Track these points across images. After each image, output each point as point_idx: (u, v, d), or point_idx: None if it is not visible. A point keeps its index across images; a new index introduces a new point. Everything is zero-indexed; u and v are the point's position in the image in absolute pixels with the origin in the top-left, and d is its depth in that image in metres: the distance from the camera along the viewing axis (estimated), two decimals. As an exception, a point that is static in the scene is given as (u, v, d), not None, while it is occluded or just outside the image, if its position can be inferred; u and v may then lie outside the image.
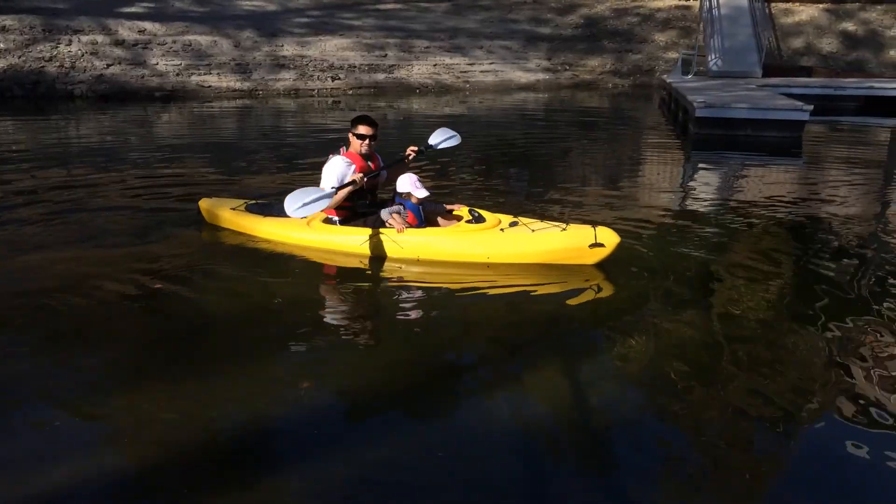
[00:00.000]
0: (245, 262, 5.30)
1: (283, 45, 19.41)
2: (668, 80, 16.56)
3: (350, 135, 5.42)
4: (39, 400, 3.42)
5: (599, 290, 4.88)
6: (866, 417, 3.36)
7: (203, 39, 18.70)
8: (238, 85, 17.79)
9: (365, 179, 5.28)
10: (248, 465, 2.97)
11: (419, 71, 19.86)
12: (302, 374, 3.73)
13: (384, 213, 5.35)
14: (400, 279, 5.06)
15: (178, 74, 17.52)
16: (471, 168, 9.20)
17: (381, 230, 5.28)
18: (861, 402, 3.50)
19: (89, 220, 6.30)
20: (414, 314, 4.58)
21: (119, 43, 17.64)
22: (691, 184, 8.99)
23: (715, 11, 19.15)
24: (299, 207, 4.95)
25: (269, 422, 3.32)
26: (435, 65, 20.25)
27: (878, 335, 4.22)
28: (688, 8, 24.07)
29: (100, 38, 17.54)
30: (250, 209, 5.88)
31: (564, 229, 5.14)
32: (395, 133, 13.21)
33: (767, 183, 8.95)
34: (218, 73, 17.93)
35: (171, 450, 3.04)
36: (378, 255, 5.26)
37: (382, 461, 2.98)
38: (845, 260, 5.61)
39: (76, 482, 2.84)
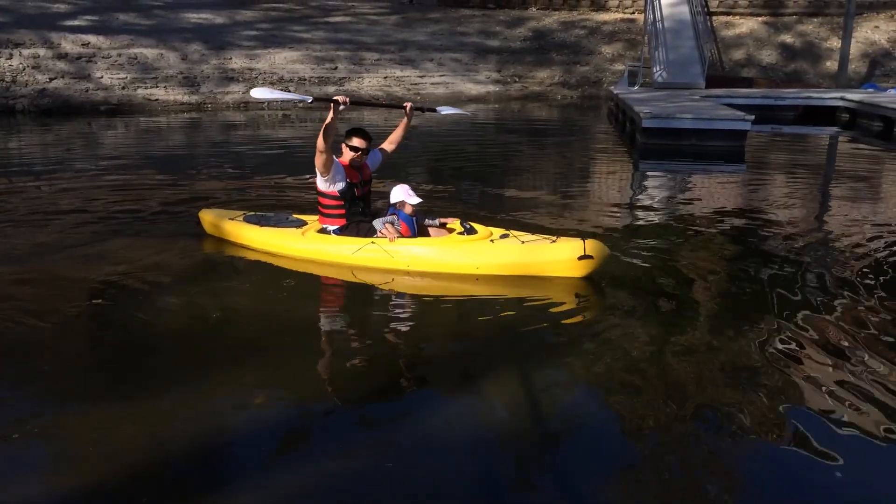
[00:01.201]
0: (236, 271, 5.44)
1: (231, 58, 19.23)
2: (616, 92, 16.88)
3: (343, 145, 5.48)
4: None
5: (577, 300, 4.96)
6: (815, 422, 3.44)
7: (149, 52, 18.42)
8: (186, 98, 17.56)
9: (347, 101, 5.30)
10: (200, 480, 2.94)
11: (370, 83, 19.87)
12: (272, 385, 3.72)
13: (377, 223, 5.40)
14: (388, 289, 5.10)
15: (123, 88, 17.22)
16: (423, 178, 9.23)
17: (374, 239, 5.34)
18: (809, 406, 3.60)
19: (42, 230, 6.18)
20: (395, 325, 4.59)
21: (62, 56, 17.27)
22: (640, 192, 9.17)
23: (659, 24, 19.60)
24: (266, 92, 5.40)
25: (226, 433, 3.28)
26: (385, 77, 20.29)
27: (826, 338, 4.35)
28: (633, 21, 24.59)
29: (42, 52, 17.15)
30: (248, 220, 5.96)
31: (554, 241, 5.22)
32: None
33: (714, 190, 9.18)
34: (165, 87, 17.68)
35: (129, 466, 2.99)
36: (369, 265, 5.31)
37: (343, 471, 2.98)
38: (789, 263, 5.77)
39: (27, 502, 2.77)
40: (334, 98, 5.24)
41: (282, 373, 3.86)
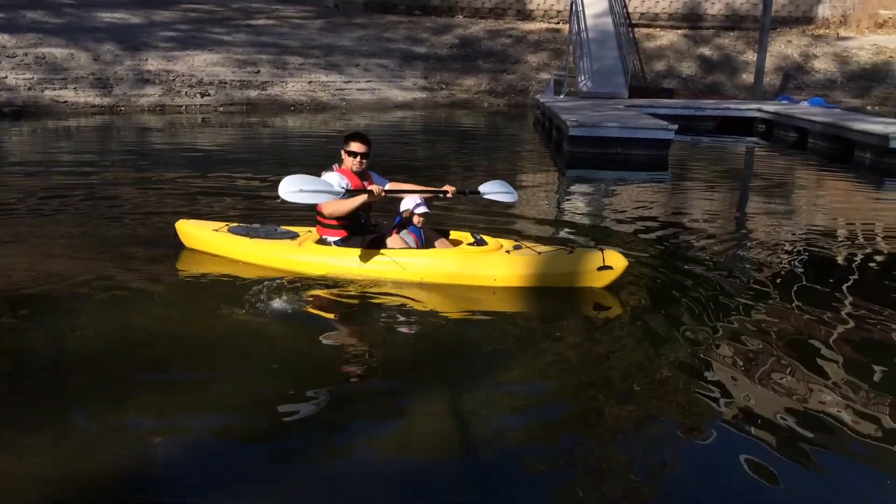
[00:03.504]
0: (225, 286, 5.01)
1: (147, 60, 18.48)
2: (542, 100, 16.94)
3: (342, 152, 5.20)
4: None
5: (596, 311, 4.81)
6: (743, 426, 3.38)
7: (58, 52, 17.52)
8: (97, 100, 16.75)
9: (382, 193, 5.05)
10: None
11: (294, 88, 19.41)
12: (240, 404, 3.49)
13: (388, 238, 5.17)
14: (402, 303, 4.80)
15: (29, 89, 16.30)
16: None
17: (383, 251, 5.07)
18: (733, 410, 3.52)
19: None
20: (409, 338, 4.40)
21: (-39, 54, 16.24)
22: (567, 199, 9.12)
23: (583, 35, 19.81)
24: (296, 192, 4.75)
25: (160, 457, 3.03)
26: (310, 82, 19.87)
27: (742, 342, 4.29)
28: (558, 31, 24.86)
29: (-62, 49, 16.09)
30: (234, 231, 5.56)
31: (571, 252, 5.11)
32: (270, 151, 12.78)
33: (640, 198, 9.21)
34: (75, 88, 16.83)
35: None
36: (379, 278, 5.03)
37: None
38: (714, 268, 5.78)
39: None
40: (368, 189, 4.99)
41: (270, 389, 3.64)
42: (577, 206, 8.83)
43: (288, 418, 3.41)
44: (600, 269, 4.94)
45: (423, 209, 5.24)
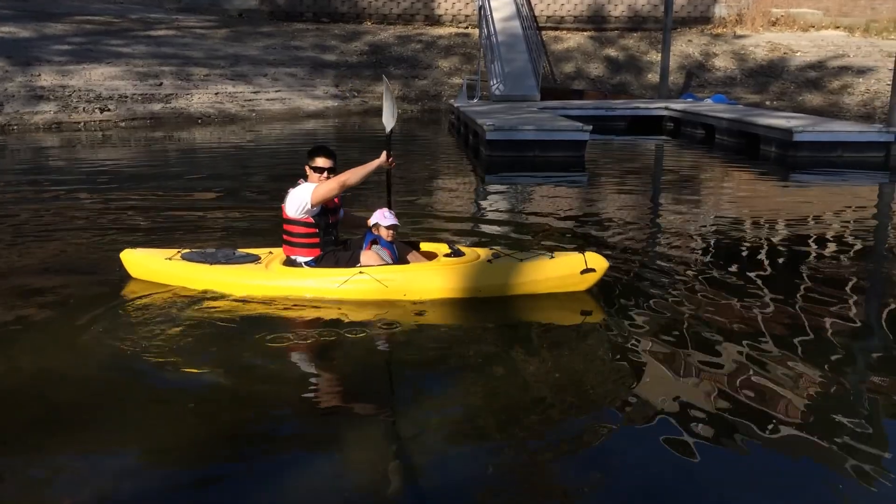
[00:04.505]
0: (198, 320, 4.59)
1: (40, 75, 17.49)
2: (457, 105, 16.90)
3: (307, 168, 4.97)
4: None
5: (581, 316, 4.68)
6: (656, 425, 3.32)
7: (-60, 69, 16.37)
8: (-13, 119, 15.70)
9: (392, 162, 5.06)
10: None
11: (200, 100, 18.75)
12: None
13: (363, 255, 4.94)
14: (387, 323, 4.56)
15: None
16: (266, 199, 8.62)
17: (361, 269, 4.82)
18: (647, 410, 3.46)
19: None
20: (400, 360, 4.25)
21: None
22: (494, 204, 9.04)
23: (493, 38, 19.90)
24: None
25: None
26: (217, 93, 19.24)
27: (669, 332, 4.28)
28: (468, 35, 24.94)
29: None
30: (188, 258, 5.14)
31: (552, 257, 5.06)
32: (179, 165, 12.23)
33: (558, 198, 9.25)
34: (-39, 107, 15.74)
35: None
36: (358, 298, 4.77)
37: None
38: (631, 263, 5.84)
39: None
40: (379, 164, 5.06)
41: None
42: (507, 208, 8.81)
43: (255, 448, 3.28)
44: (583, 272, 4.96)
45: (391, 220, 5.00)
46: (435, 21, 26.27)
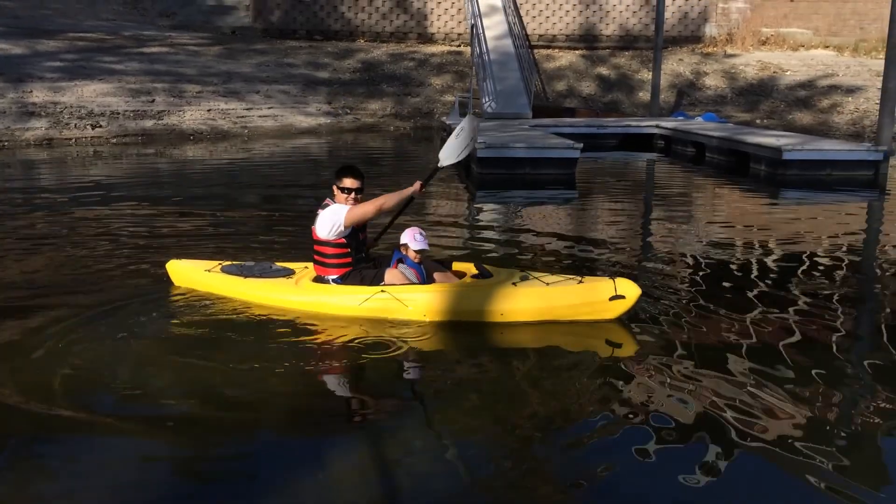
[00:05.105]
0: (223, 328, 4.78)
1: (31, 91, 17.47)
2: (449, 122, 16.94)
3: (334, 188, 4.99)
4: None
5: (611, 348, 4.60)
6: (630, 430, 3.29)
7: (-69, 85, 16.33)
8: (-23, 136, 15.65)
9: (421, 189, 5.02)
10: None
11: (192, 116, 18.75)
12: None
13: (387, 273, 4.93)
14: (400, 344, 4.54)
15: None
16: (257, 214, 8.62)
17: (384, 287, 4.80)
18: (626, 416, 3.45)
19: None
20: (413, 383, 4.26)
21: None
22: (479, 221, 9.05)
23: (485, 57, 19.99)
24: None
25: None
26: (209, 110, 19.25)
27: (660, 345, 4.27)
28: (460, 53, 25.06)
29: None
30: (227, 271, 5.34)
31: (581, 282, 4.86)
32: (171, 182, 12.21)
33: (548, 215, 9.27)
34: (-49, 123, 15.69)
35: None
36: (379, 317, 4.78)
37: None
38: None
39: None
40: (412, 190, 5.04)
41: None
42: (497, 225, 8.86)
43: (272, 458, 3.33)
44: (612, 298, 4.73)
45: (420, 245, 4.98)
46: (427, 39, 26.39)
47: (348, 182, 4.99)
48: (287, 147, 17.05)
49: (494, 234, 8.30)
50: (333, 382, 4.29)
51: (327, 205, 4.99)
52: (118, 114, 17.79)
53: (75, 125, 16.95)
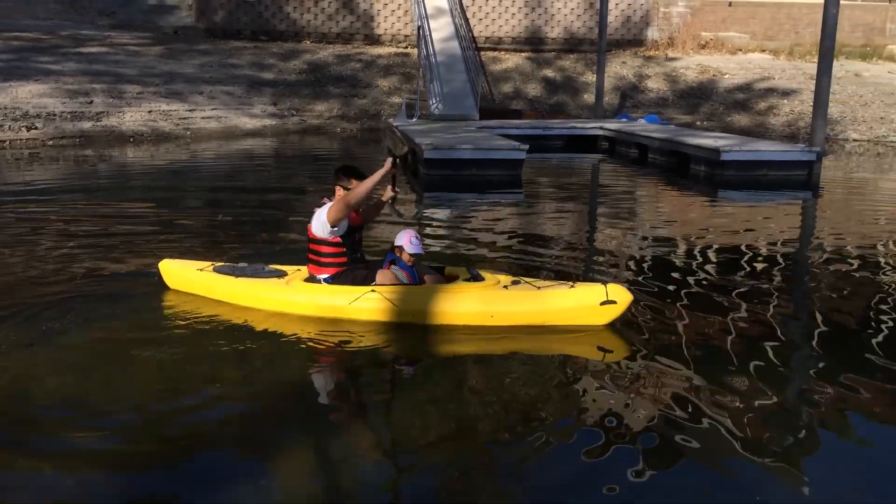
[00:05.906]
0: (213, 328, 4.81)
1: (-37, 92, 16.87)
2: (395, 124, 16.93)
3: (337, 187, 4.96)
4: None
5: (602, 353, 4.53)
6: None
7: None
8: None
9: (398, 162, 4.94)
10: None
11: (132, 118, 18.34)
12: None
13: (379, 274, 4.90)
14: (387, 344, 4.58)
15: None
16: (200, 216, 8.48)
17: (374, 287, 4.79)
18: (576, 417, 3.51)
19: None
20: (396, 384, 4.22)
21: None
22: (430, 220, 9.06)
23: (432, 59, 20.02)
24: None
25: None
26: (150, 111, 18.85)
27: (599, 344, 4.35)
28: (407, 55, 25.05)
29: None
30: (219, 271, 5.32)
31: (572, 287, 4.86)
32: (108, 185, 11.92)
33: (494, 216, 9.32)
34: None
35: None
36: (368, 317, 4.78)
37: None
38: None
39: None
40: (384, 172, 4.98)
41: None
42: (445, 224, 8.80)
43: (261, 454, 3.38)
44: (603, 303, 4.74)
45: (415, 249, 4.98)
46: (374, 41, 26.33)
47: (353, 183, 4.96)
48: (231, 148, 16.80)
49: (445, 233, 8.32)
50: (312, 383, 4.27)
51: (324, 203, 5.00)
52: (55, 115, 17.30)
53: (9, 127, 16.41)
